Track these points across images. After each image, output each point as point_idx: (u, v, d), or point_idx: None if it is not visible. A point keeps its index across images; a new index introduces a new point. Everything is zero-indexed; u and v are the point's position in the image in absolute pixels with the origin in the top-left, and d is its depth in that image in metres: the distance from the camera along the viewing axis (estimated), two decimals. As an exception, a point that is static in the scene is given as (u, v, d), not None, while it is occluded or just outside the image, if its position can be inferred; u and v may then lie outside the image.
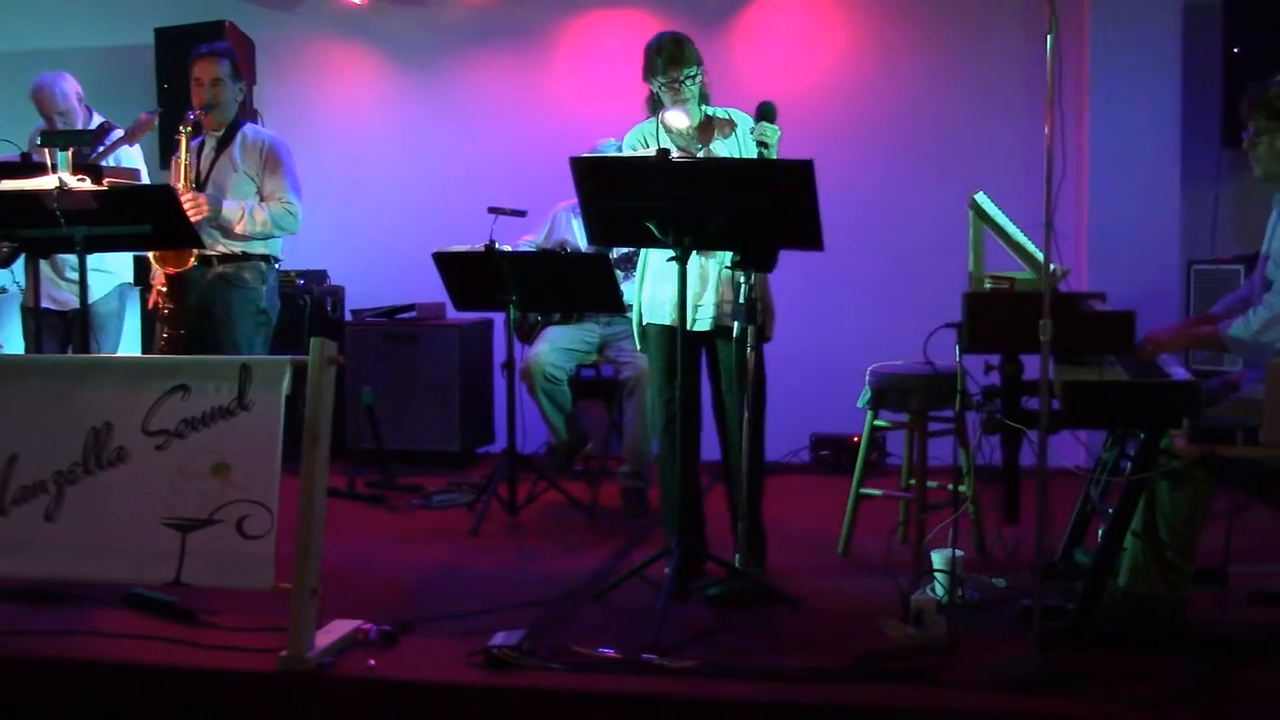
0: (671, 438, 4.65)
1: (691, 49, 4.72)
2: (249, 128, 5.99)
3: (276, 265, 6.05)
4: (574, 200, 6.25)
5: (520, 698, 3.71)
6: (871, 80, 7.33)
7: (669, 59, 4.70)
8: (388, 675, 3.80)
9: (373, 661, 3.87)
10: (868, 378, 5.14)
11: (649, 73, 4.75)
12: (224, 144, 5.88)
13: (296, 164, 6.00)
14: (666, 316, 4.73)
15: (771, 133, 4.45)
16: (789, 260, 4.43)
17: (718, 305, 4.69)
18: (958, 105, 7.22)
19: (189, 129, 5.74)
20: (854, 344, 6.41)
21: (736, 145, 4.70)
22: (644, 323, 4.85)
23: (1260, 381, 3.80)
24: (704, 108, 4.80)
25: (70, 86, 6.34)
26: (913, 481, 5.10)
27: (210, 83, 5.85)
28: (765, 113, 4.50)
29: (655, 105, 4.81)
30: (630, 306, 6.06)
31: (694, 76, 4.71)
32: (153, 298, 5.84)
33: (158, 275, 5.76)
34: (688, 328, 4.64)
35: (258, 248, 5.88)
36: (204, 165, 5.86)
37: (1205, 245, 6.85)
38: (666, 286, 4.69)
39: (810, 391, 6.72)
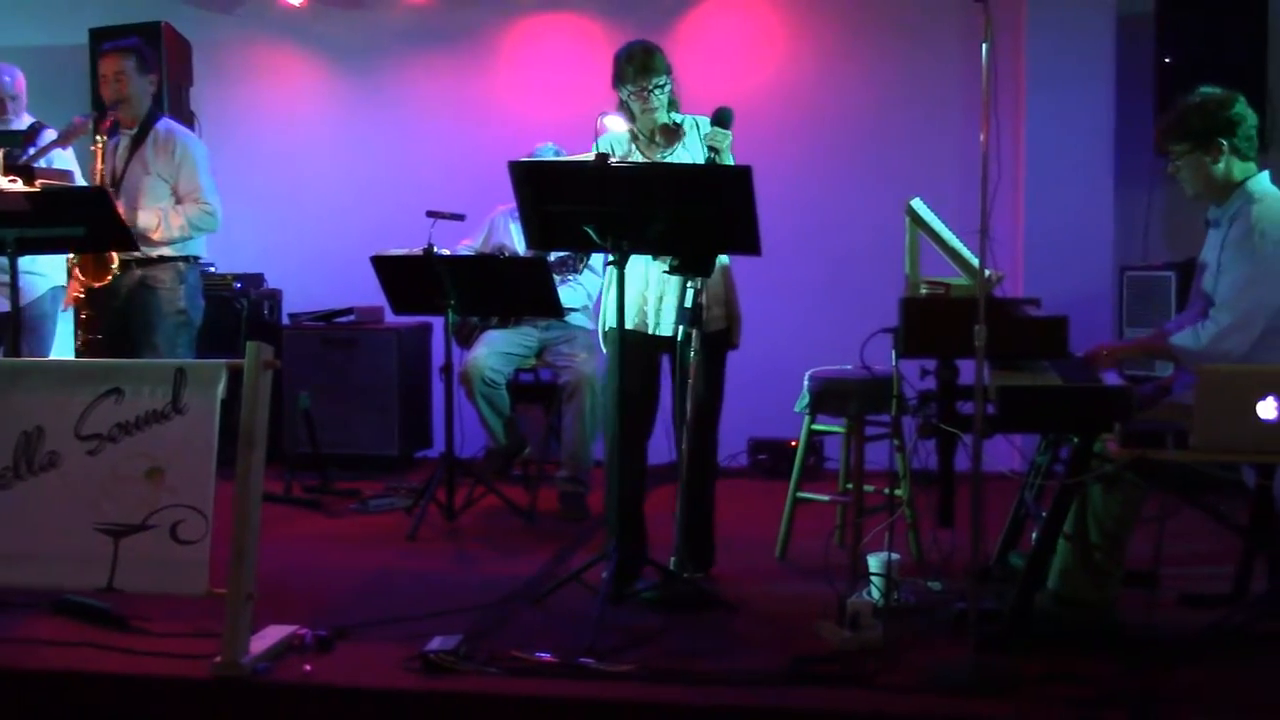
0: (617, 441, 4.65)
1: (661, 58, 4.73)
2: (163, 124, 5.97)
3: (197, 264, 6.05)
4: (513, 204, 6.25)
5: (457, 702, 3.70)
6: (811, 87, 7.37)
7: (639, 68, 4.70)
8: (323, 681, 3.78)
9: (308, 667, 3.84)
10: (806, 382, 5.16)
11: (618, 80, 4.75)
12: (137, 142, 5.86)
13: (233, 161, 5.97)
14: (629, 320, 4.74)
15: (722, 138, 4.48)
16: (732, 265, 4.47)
17: (679, 310, 4.68)
18: (896, 112, 7.27)
19: (103, 134, 5.73)
20: (792, 349, 6.44)
21: (698, 151, 4.71)
22: (607, 327, 4.85)
23: (1191, 387, 3.85)
24: (673, 115, 4.81)
25: (17, 76, 6.32)
26: (850, 485, 5.14)
27: (114, 77, 5.85)
28: (720, 118, 4.53)
29: (627, 115, 4.81)
30: (570, 310, 6.09)
31: (663, 86, 4.72)
32: (69, 299, 5.82)
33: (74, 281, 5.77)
34: (651, 332, 4.68)
35: (176, 249, 5.86)
36: (119, 164, 5.82)
37: (1138, 251, 6.94)
38: (630, 290, 4.70)
39: (748, 396, 6.71)
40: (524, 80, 7.57)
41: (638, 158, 4.76)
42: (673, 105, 4.83)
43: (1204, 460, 3.72)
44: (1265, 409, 3.60)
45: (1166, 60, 6.61)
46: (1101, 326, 6.61)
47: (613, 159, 4.55)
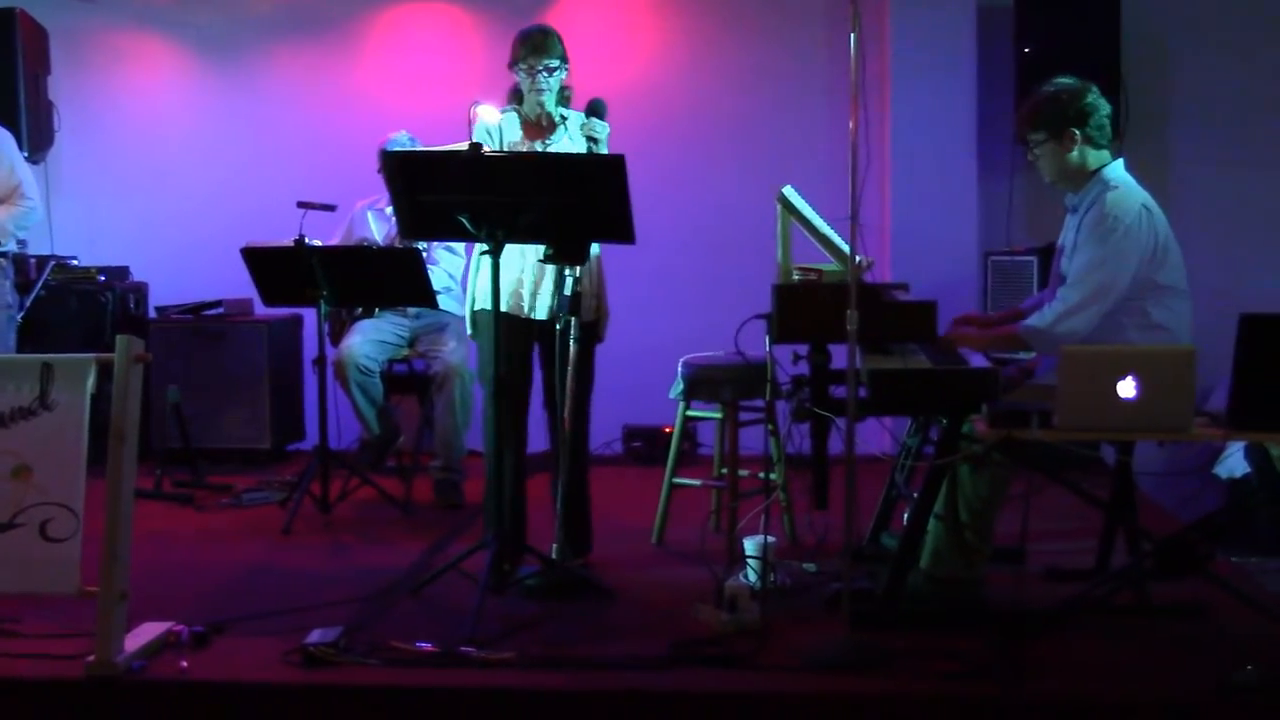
0: (494, 427, 4.66)
1: (557, 43, 4.74)
2: None
3: (10, 256, 6.02)
4: (373, 197, 6.24)
5: (338, 695, 3.68)
6: (682, 76, 7.42)
7: (532, 48, 4.72)
8: (201, 677, 3.73)
9: (185, 663, 3.78)
10: (680, 369, 5.21)
11: (513, 60, 4.76)
12: None
13: (95, 152, 5.85)
14: (503, 304, 4.72)
15: (601, 128, 4.52)
16: (603, 252, 4.48)
17: (554, 296, 4.69)
18: (767, 101, 7.35)
19: None
20: (666, 336, 6.48)
21: (579, 142, 4.72)
22: (475, 309, 4.83)
23: (1054, 368, 3.96)
24: (560, 109, 4.81)
25: None
26: (725, 470, 5.19)
27: None
28: (595, 109, 4.57)
29: (517, 96, 4.81)
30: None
31: (554, 70, 4.72)
32: None
33: None
34: (526, 315, 4.66)
35: None
36: None
37: (1001, 237, 7.10)
38: (508, 273, 4.69)
39: (622, 384, 6.75)
40: (393, 70, 7.51)
41: (520, 145, 4.76)
42: (564, 99, 4.84)
43: (1067, 439, 3.83)
44: (1125, 388, 3.71)
45: (1025, 50, 6.77)
46: (967, 310, 6.72)
47: (487, 148, 4.53)
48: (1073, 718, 3.56)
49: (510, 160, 4.43)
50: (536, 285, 4.74)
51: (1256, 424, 3.81)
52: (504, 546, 4.42)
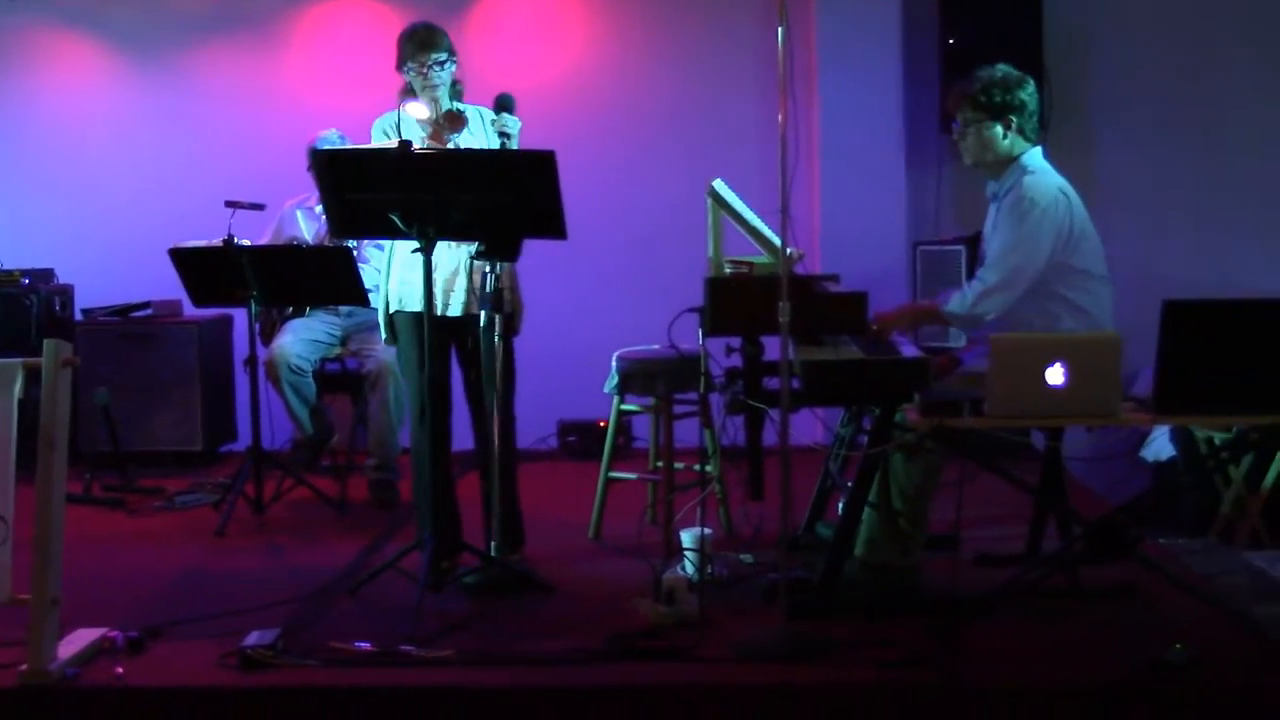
0: (423, 427, 4.64)
1: (443, 37, 4.72)
2: None
3: None
4: (302, 196, 6.19)
5: (277, 697, 3.66)
6: (612, 70, 7.42)
7: (419, 44, 4.69)
8: (137, 683, 3.69)
9: (120, 670, 3.74)
10: (614, 363, 5.21)
11: (401, 61, 4.73)
12: None
13: (18, 152, 5.77)
14: (416, 304, 4.70)
15: (512, 124, 4.50)
16: (535, 249, 4.47)
17: (469, 292, 4.68)
18: (696, 94, 7.36)
19: None
20: (599, 330, 6.48)
21: (484, 137, 4.70)
22: (392, 311, 4.81)
23: (984, 356, 4.01)
24: (455, 103, 4.79)
25: None
26: (660, 464, 5.20)
27: None
28: (504, 104, 4.54)
29: (408, 94, 4.78)
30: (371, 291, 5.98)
31: (444, 63, 4.70)
32: None
33: None
34: (441, 313, 4.64)
35: None
36: None
37: (930, 227, 7.16)
38: (415, 274, 4.67)
39: (556, 379, 6.77)
40: (321, 67, 7.45)
41: (420, 143, 4.73)
42: (457, 93, 4.82)
43: (998, 426, 3.87)
44: (1053, 375, 3.76)
45: (950, 42, 6.84)
46: (897, 300, 6.77)
47: (418, 146, 4.51)
48: (1010, 702, 3.60)
49: (440, 157, 4.41)
50: (450, 283, 4.72)
51: (1181, 408, 3.88)
52: (441, 544, 4.41)
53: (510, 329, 4.77)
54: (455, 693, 3.67)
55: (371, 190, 4.22)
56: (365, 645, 3.88)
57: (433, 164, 4.29)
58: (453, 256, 4.68)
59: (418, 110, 4.63)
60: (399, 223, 4.22)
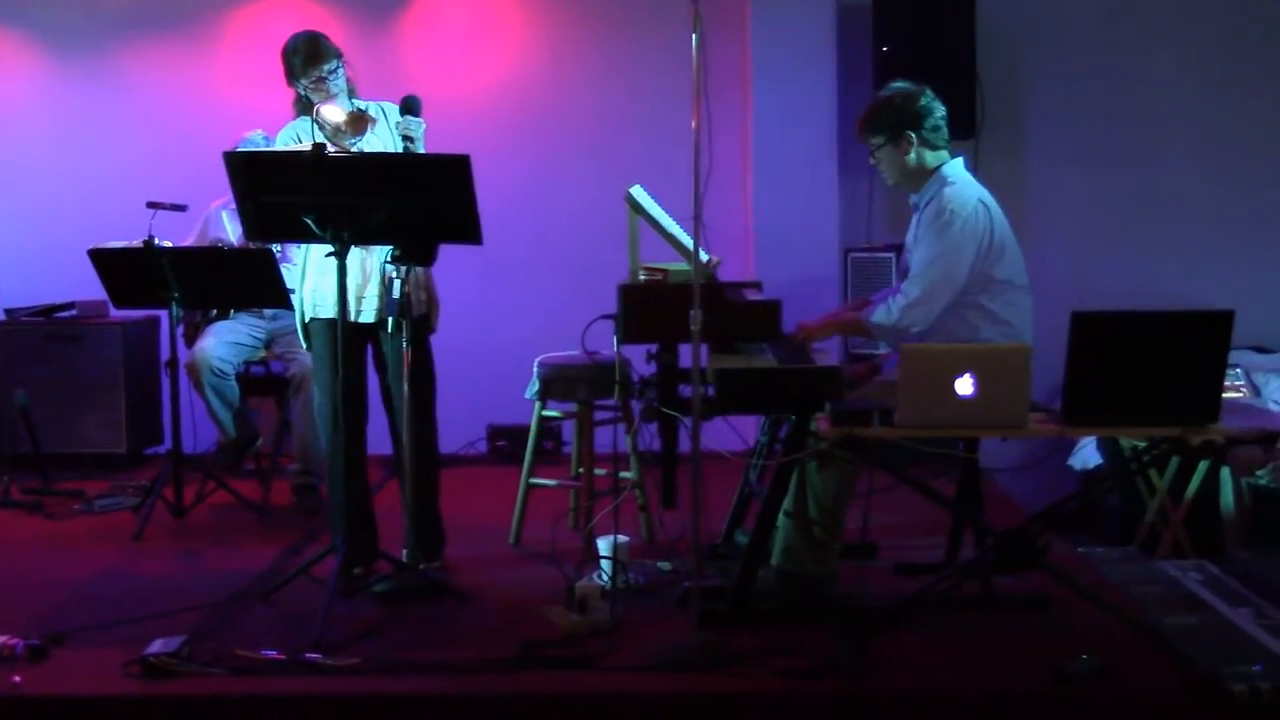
0: (338, 432, 4.63)
1: (327, 43, 4.70)
2: None
3: None
4: (227, 197, 6.12)
5: (179, 705, 3.65)
6: (544, 76, 7.38)
7: (306, 57, 4.67)
8: (35, 692, 3.66)
9: (18, 678, 3.70)
10: (535, 368, 5.21)
11: (290, 76, 4.71)
12: None
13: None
14: (330, 310, 4.69)
15: (416, 126, 4.48)
16: (465, 253, 4.47)
17: (381, 297, 4.66)
18: (625, 100, 7.34)
19: None
20: (528, 335, 6.46)
21: (390, 138, 4.68)
22: (307, 319, 4.78)
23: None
24: (354, 101, 4.77)
25: None
26: (581, 470, 5.21)
27: None
28: (409, 106, 4.52)
29: (304, 106, 4.75)
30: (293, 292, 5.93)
31: (336, 70, 4.68)
32: None
33: None
34: (353, 319, 4.63)
35: None
36: None
37: (862, 233, 7.19)
38: (329, 280, 4.65)
39: (486, 383, 6.76)
40: (248, 67, 7.38)
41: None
42: (350, 91, 4.80)
43: (907, 437, 3.89)
44: (962, 385, 3.79)
45: (884, 49, 6.86)
46: (830, 305, 6.81)
47: (332, 150, 4.48)
48: (914, 712, 3.64)
49: (356, 161, 4.39)
50: (362, 289, 4.70)
51: (1089, 419, 3.92)
52: (353, 550, 4.40)
53: (425, 328, 4.77)
54: (360, 701, 3.67)
55: (286, 193, 4.20)
56: (272, 653, 3.86)
57: (348, 168, 4.28)
58: (365, 262, 4.65)
59: (334, 113, 4.60)
60: (314, 227, 4.20)
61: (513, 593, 4.62)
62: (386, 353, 4.73)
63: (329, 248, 4.28)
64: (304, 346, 4.90)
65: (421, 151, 4.47)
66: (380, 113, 4.73)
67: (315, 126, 4.55)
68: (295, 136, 4.73)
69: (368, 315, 4.68)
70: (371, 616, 4.31)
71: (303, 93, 4.70)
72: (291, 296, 5.76)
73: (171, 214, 5.99)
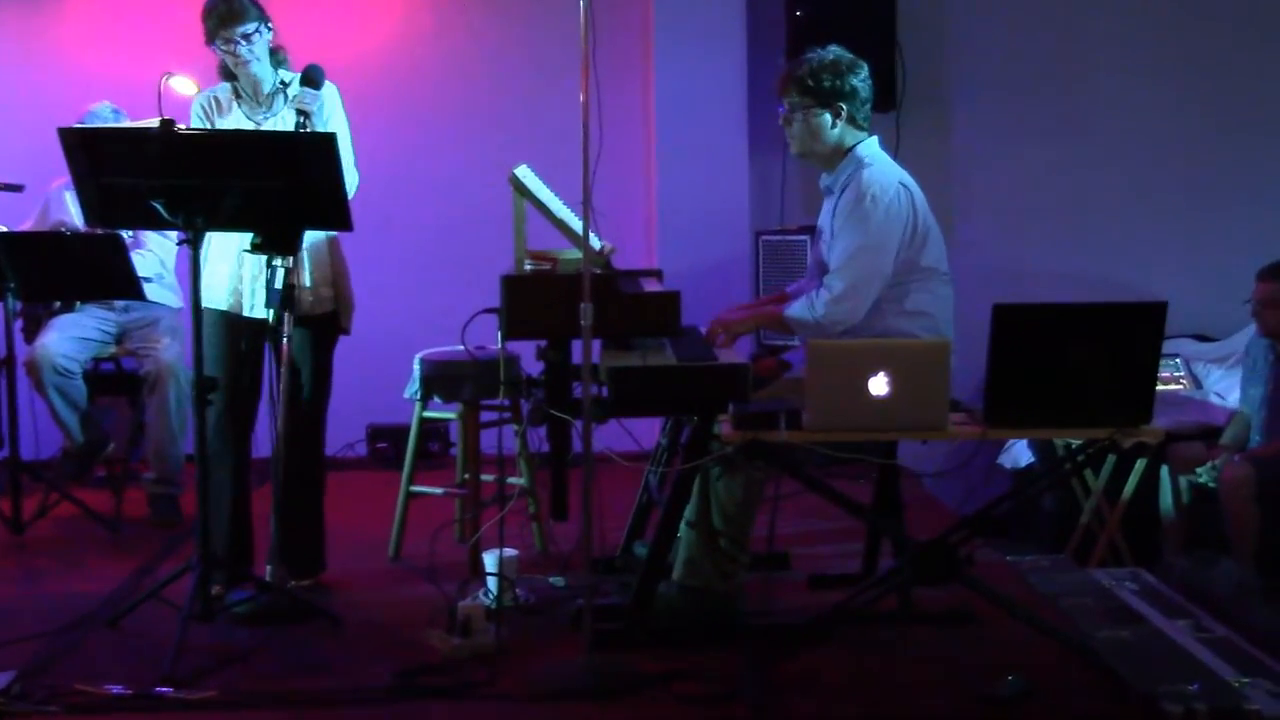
0: (220, 435, 4.52)
1: (248, 6, 4.54)
2: None
3: None
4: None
5: (8, 749, 3.54)
6: (431, 51, 7.29)
7: (219, 19, 4.53)
8: None
9: None
10: (416, 365, 5.11)
11: (208, 38, 4.57)
12: None
13: None
14: (223, 301, 4.57)
15: (312, 99, 4.38)
16: (341, 240, 4.36)
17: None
18: (514, 78, 7.25)
19: None
20: (411, 328, 6.38)
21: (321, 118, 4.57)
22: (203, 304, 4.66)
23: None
24: (281, 71, 4.67)
25: None
26: (467, 476, 5.12)
27: None
28: (308, 77, 4.42)
29: (226, 73, 4.65)
30: (145, 281, 5.79)
31: (251, 35, 4.55)
32: None
33: None
34: (246, 313, 4.59)
35: None
36: None
37: (775, 215, 7.16)
38: (225, 266, 4.53)
39: (366, 380, 6.64)
40: (95, 31, 7.20)
41: (240, 120, 4.61)
42: (279, 61, 4.70)
43: (818, 441, 3.85)
44: (876, 385, 3.76)
45: (798, 14, 6.81)
46: (740, 291, 6.80)
47: (182, 126, 4.35)
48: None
49: (207, 139, 4.28)
50: (257, 280, 4.59)
51: (1013, 419, 3.90)
52: (209, 568, 4.26)
53: (331, 329, 4.67)
54: (215, 740, 3.58)
55: (131, 175, 4.07)
56: (117, 688, 3.75)
57: (200, 146, 4.15)
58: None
59: (184, 85, 4.47)
60: (163, 212, 4.07)
61: (390, 614, 4.53)
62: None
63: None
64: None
65: (321, 129, 4.35)
66: (288, 85, 4.65)
67: (234, 94, 4.42)
68: (201, 107, 4.60)
69: (260, 310, 4.55)
70: (231, 643, 4.20)
71: (221, 57, 4.58)
72: (151, 284, 5.65)
73: (7, 194, 5.81)
